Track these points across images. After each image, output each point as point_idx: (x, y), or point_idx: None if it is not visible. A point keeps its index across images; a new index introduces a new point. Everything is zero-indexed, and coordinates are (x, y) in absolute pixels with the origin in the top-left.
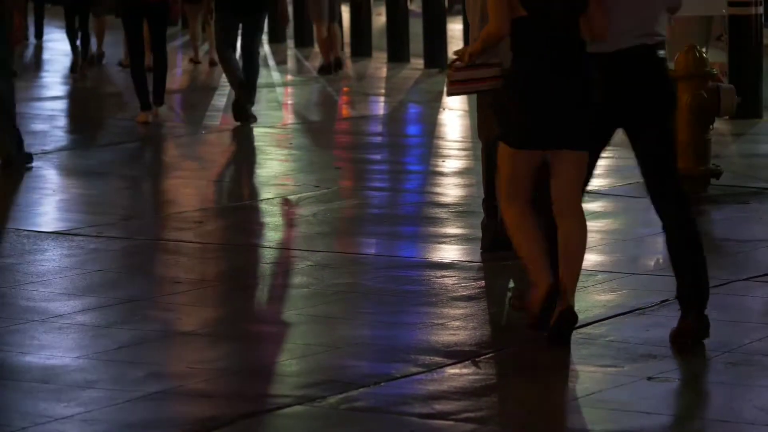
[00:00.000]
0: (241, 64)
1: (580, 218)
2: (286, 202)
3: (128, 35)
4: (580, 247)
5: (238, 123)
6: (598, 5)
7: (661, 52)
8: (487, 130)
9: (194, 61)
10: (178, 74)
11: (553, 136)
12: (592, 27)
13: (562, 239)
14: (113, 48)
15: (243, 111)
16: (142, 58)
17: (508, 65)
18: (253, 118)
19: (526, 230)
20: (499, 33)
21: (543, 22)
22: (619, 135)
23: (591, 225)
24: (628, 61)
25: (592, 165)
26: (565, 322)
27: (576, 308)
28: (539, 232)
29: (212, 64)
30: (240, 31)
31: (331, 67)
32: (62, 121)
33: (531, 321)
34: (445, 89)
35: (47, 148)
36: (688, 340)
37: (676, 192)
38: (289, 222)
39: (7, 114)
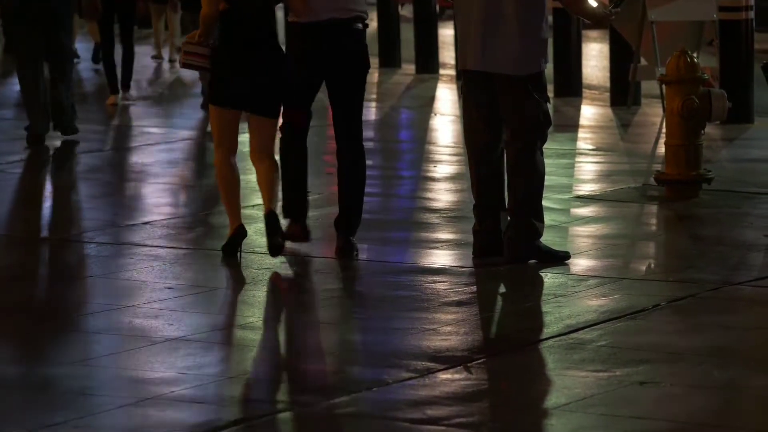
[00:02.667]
0: None
1: (272, 160)
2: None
3: (102, 30)
4: (273, 180)
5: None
6: None
7: (358, 25)
8: (474, 138)
9: (157, 57)
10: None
11: (243, 100)
12: (292, 9)
13: (259, 176)
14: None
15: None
16: (112, 49)
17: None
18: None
19: (225, 178)
20: (210, 15)
21: (240, 11)
22: (614, 139)
23: (582, 230)
24: (322, 30)
25: (311, 100)
26: (268, 222)
27: (567, 313)
28: (235, 180)
29: (172, 60)
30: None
31: None
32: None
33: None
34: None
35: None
36: (344, 257)
37: (356, 135)
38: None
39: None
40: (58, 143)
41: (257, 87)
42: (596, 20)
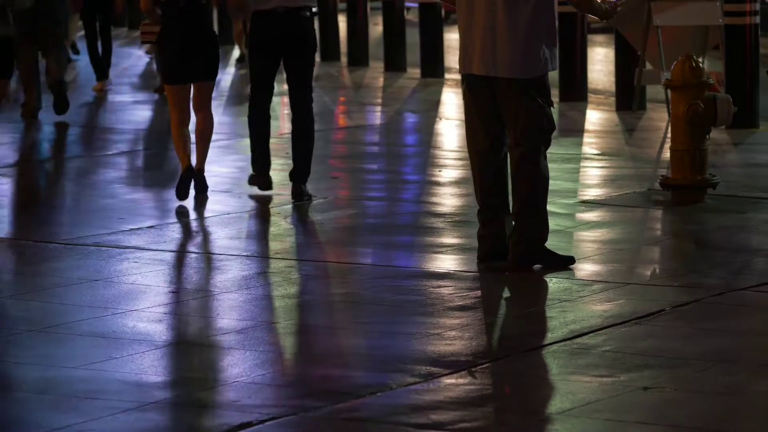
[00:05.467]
0: None
1: (209, 112)
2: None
3: (85, 25)
4: (208, 132)
5: None
6: None
7: (306, 12)
8: (476, 142)
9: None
10: None
11: (189, 75)
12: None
13: (198, 126)
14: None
15: None
16: (96, 41)
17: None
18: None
19: (178, 138)
20: (146, 8)
21: (174, 4)
22: (620, 144)
23: (587, 235)
24: (276, 18)
25: (272, 76)
26: (196, 179)
27: (572, 317)
28: (186, 140)
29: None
30: None
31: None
32: (57, 130)
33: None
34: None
35: (47, 155)
36: (299, 200)
37: (307, 99)
38: (287, 231)
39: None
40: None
41: (198, 61)
42: (603, 16)
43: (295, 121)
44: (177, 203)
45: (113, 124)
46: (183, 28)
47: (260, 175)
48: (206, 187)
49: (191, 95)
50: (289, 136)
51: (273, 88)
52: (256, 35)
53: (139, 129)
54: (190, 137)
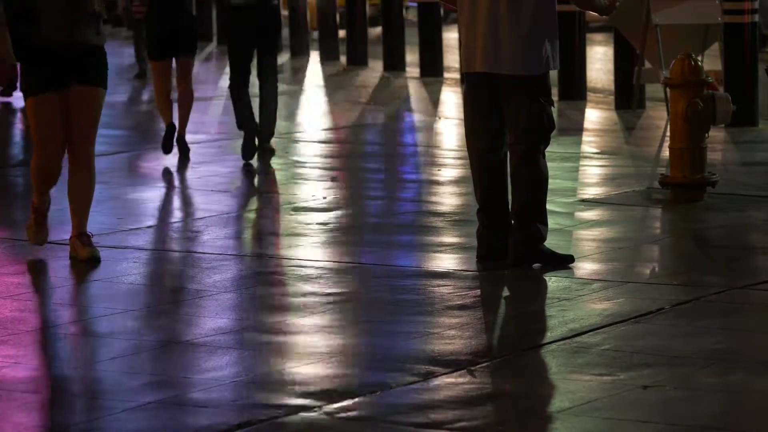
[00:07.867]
0: None
1: (190, 86)
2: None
3: None
4: (188, 102)
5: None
6: None
7: (274, 2)
8: (475, 142)
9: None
10: None
11: (170, 50)
12: None
13: (179, 97)
14: None
15: None
16: None
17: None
18: None
19: (160, 98)
20: None
21: None
22: (619, 143)
23: (586, 233)
24: (249, 9)
25: (250, 59)
26: (179, 143)
27: (571, 316)
28: (170, 108)
29: None
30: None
31: None
32: None
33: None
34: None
35: None
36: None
37: (273, 79)
38: (286, 231)
39: None
40: None
41: (178, 39)
42: (602, 12)
43: (263, 93)
44: (177, 203)
45: (112, 124)
46: (166, 10)
47: (249, 134)
48: (188, 149)
49: (174, 70)
50: (288, 137)
51: (249, 71)
52: (231, 26)
53: (137, 128)
54: (172, 102)
